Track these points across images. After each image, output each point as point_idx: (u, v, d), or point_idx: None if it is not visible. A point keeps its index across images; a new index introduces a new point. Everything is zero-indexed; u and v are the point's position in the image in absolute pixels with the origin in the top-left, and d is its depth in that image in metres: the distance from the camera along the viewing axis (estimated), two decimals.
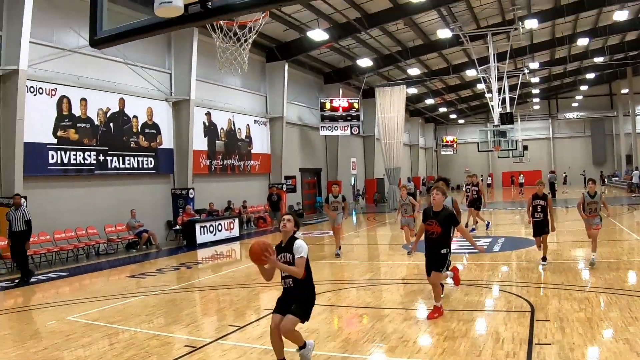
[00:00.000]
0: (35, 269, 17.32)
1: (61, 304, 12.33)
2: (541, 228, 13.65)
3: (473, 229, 21.45)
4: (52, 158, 19.47)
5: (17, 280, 15.34)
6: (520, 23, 32.12)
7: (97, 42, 5.48)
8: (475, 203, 21.77)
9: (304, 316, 7.05)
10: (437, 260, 9.22)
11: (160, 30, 5.36)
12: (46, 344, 8.89)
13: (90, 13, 5.42)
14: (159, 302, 12.22)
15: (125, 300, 12.52)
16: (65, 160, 19.90)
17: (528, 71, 43.81)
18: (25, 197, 17.55)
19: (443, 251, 9.20)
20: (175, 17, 4.86)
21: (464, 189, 24.28)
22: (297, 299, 7.04)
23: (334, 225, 17.84)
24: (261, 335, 8.77)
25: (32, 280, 15.47)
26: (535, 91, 58.88)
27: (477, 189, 21.86)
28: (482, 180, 64.21)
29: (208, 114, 27.46)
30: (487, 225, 22.08)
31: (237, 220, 25.42)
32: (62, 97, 19.93)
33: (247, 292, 12.89)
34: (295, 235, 7.19)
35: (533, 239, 14.27)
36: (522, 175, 54.72)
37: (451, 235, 9.54)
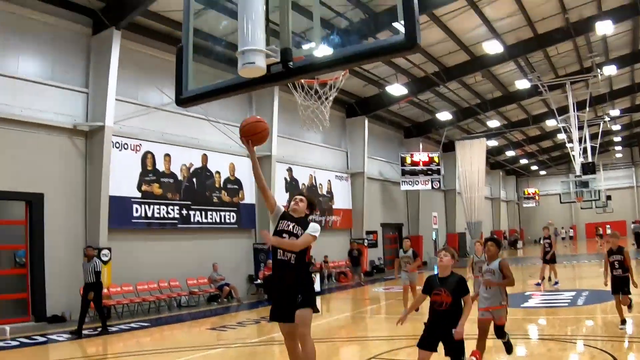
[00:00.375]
0: (118, 319, 17.25)
1: (142, 353, 11.92)
2: (621, 285, 11.39)
3: (556, 283, 19.89)
4: (137, 211, 19.33)
5: (99, 329, 15.01)
6: (599, 70, 30.65)
7: (183, 101, 5.57)
8: (549, 256, 20.25)
9: (314, 304, 6.59)
10: (452, 347, 6.78)
11: (244, 90, 5.38)
12: None
13: (176, 74, 5.52)
14: (239, 355, 11.92)
15: (206, 352, 12.12)
16: (149, 214, 19.74)
17: (609, 119, 41.76)
18: (109, 249, 17.55)
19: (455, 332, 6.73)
20: (258, 77, 4.79)
21: (541, 242, 22.77)
22: (298, 284, 6.59)
23: (409, 284, 15.80)
24: None
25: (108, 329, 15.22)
26: (617, 139, 55.92)
27: (549, 242, 20.37)
28: (563, 230, 62.11)
29: (289, 170, 27.06)
30: (541, 283, 20.29)
31: (318, 275, 24.60)
32: (147, 152, 19.90)
33: (326, 347, 11.96)
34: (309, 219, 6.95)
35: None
36: (608, 226, 51.93)
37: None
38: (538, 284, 20.08)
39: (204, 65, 5.74)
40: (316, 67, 4.86)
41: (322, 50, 4.89)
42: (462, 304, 6.84)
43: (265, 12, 4.74)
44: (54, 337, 14.61)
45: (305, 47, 4.99)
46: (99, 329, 15.04)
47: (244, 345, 12.86)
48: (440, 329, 6.80)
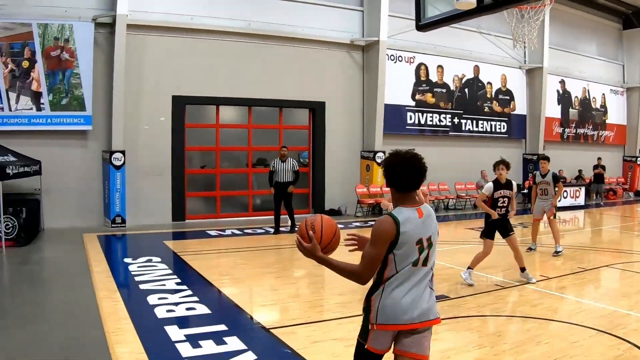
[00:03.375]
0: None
1: None
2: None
3: None
4: (410, 119, 18.19)
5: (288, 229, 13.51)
6: None
7: (421, 27, 6.05)
8: None
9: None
10: None
11: (465, 18, 5.58)
12: None
13: (415, 5, 6.00)
14: None
15: (459, 246, 11.96)
16: (422, 121, 18.45)
17: None
18: (383, 152, 16.74)
19: None
20: (473, 8, 5.14)
21: None
22: None
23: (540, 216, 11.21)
24: (564, 287, 8.36)
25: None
26: None
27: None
28: None
29: (562, 82, 23.53)
30: None
31: (583, 189, 21.42)
32: (420, 64, 18.42)
33: (571, 251, 11.09)
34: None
35: None
36: None
37: None
38: None
39: None
40: None
41: None
42: None
43: None
44: None
45: None
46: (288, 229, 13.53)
47: (495, 244, 11.77)
48: None
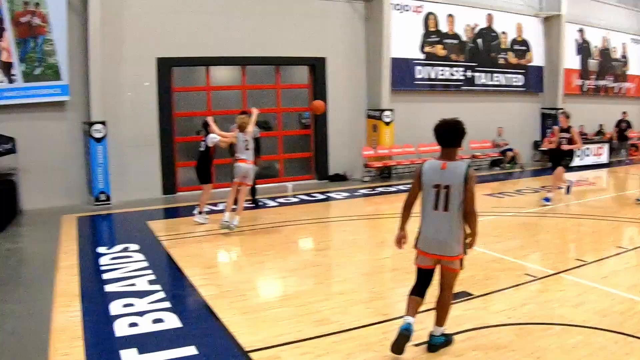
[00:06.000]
0: (398, 180, 14.08)
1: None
2: None
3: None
4: (419, 73, 15.21)
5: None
6: None
7: None
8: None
9: None
10: None
11: None
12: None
13: None
14: (511, 224, 9.27)
15: (479, 218, 8.40)
16: (432, 76, 15.48)
17: None
18: (391, 110, 13.98)
19: None
20: None
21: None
22: None
23: None
24: (606, 276, 6.09)
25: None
26: None
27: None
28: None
29: (580, 31, 20.22)
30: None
31: (607, 146, 18.38)
32: (429, 13, 15.38)
33: (606, 225, 8.89)
34: None
35: None
36: None
37: None
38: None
39: None
40: None
41: None
42: None
43: None
44: (333, 195, 11.98)
45: None
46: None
47: (518, 215, 9.90)
48: None
